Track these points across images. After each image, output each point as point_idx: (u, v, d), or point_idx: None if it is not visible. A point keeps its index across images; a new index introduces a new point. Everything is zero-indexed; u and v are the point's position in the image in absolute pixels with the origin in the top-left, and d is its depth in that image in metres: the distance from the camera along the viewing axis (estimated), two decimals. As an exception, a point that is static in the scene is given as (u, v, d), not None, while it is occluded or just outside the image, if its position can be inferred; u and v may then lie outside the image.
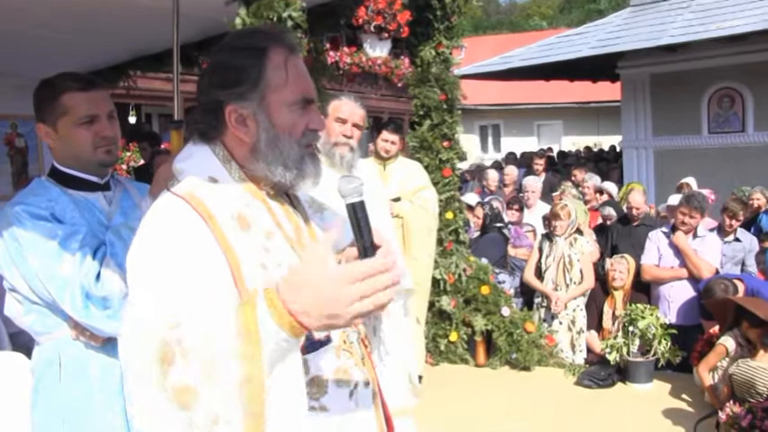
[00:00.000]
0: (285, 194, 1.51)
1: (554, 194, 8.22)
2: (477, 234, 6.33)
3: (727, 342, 4.30)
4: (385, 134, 4.71)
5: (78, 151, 2.13)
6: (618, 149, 13.37)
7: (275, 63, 1.41)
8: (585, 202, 7.43)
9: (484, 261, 5.74)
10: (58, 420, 2.07)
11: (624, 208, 6.58)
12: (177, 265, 1.26)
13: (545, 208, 7.26)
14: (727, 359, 4.29)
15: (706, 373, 4.37)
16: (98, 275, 1.97)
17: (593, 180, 7.81)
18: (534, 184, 7.80)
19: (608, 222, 6.47)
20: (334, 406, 1.39)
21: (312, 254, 1.19)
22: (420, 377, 4.82)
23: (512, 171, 9.19)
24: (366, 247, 1.39)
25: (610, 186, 7.69)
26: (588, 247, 5.68)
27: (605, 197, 7.30)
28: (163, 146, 8.29)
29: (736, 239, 5.53)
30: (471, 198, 6.83)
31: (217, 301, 1.23)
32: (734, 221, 5.50)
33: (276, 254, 1.39)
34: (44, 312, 2.07)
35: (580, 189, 7.88)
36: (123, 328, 1.28)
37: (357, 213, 1.41)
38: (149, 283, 1.26)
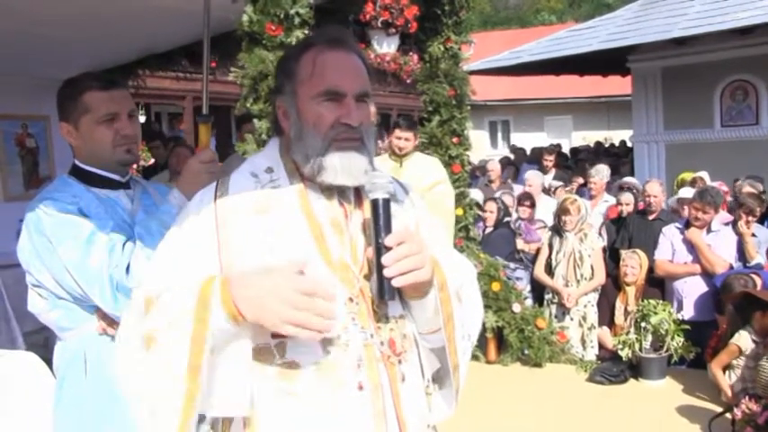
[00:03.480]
0: (356, 190, 1.52)
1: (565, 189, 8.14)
2: (490, 230, 6.30)
3: (740, 341, 4.26)
4: (398, 132, 4.71)
5: (99, 149, 2.15)
6: (628, 144, 13.29)
7: (308, 57, 1.47)
8: (591, 198, 7.35)
9: (498, 259, 5.71)
10: (85, 415, 2.09)
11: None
12: (177, 242, 1.47)
13: (548, 202, 7.21)
14: (742, 358, 4.25)
15: (719, 372, 4.33)
16: (128, 268, 1.99)
17: (599, 175, 7.64)
18: (534, 178, 7.73)
19: (623, 211, 6.37)
20: (308, 395, 1.37)
21: (293, 263, 1.34)
22: None
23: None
24: (379, 247, 1.39)
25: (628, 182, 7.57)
26: (599, 242, 5.64)
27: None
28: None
29: (752, 235, 5.47)
30: (476, 195, 6.79)
31: (199, 271, 1.39)
32: (750, 217, 5.44)
33: (287, 240, 1.42)
34: (71, 307, 2.09)
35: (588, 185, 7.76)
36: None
37: (378, 210, 1.41)
38: (156, 256, 1.51)
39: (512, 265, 5.93)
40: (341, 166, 1.45)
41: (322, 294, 1.30)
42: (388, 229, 1.40)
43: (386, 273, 1.37)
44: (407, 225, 1.54)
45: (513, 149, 15.95)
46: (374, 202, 1.42)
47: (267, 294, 1.27)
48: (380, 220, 1.40)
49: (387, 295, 1.39)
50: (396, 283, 1.38)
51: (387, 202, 1.42)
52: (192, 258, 1.43)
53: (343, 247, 1.47)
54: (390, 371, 1.46)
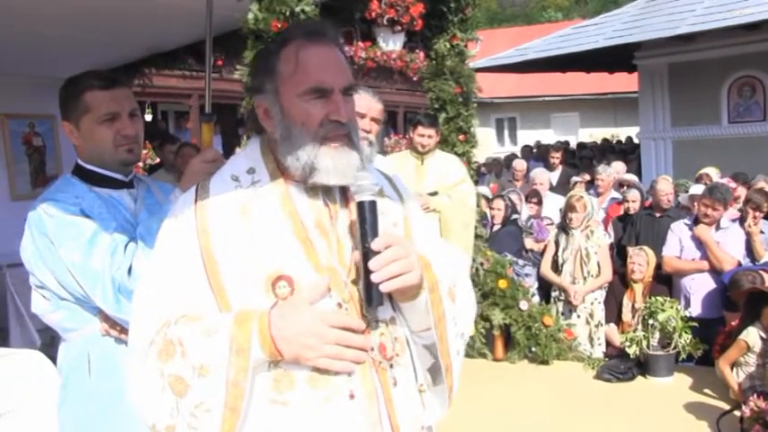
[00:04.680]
0: (341, 189, 1.47)
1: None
2: (498, 227, 6.30)
3: (749, 337, 4.23)
4: (420, 129, 4.71)
5: (100, 149, 2.13)
6: (635, 141, 13.24)
7: (287, 53, 1.41)
8: (599, 195, 7.33)
9: (507, 256, 5.70)
10: (89, 416, 2.08)
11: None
12: (167, 261, 1.43)
13: (556, 199, 7.19)
14: (752, 355, 4.23)
15: (727, 368, 4.31)
16: (130, 269, 1.98)
17: (607, 172, 7.64)
18: (542, 175, 7.70)
19: (630, 208, 6.35)
20: (299, 405, 1.35)
21: (310, 292, 1.36)
22: None
23: (521, 165, 9.11)
24: (366, 251, 1.35)
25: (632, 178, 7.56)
26: (605, 239, 5.62)
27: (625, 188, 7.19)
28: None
29: (760, 231, 5.44)
30: (484, 192, 6.79)
31: (193, 290, 1.38)
32: (757, 213, 5.41)
33: (273, 245, 1.39)
34: (73, 309, 2.08)
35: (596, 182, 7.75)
36: (132, 314, 1.46)
37: (364, 213, 1.37)
38: (149, 275, 1.46)
39: (520, 261, 5.92)
40: (333, 167, 1.40)
41: (353, 327, 1.36)
42: (375, 233, 1.35)
43: (373, 278, 1.33)
44: (395, 228, 1.50)
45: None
46: (360, 205, 1.37)
47: (304, 332, 1.31)
48: (367, 224, 1.36)
49: (374, 301, 1.36)
50: (383, 288, 1.34)
51: (373, 204, 1.38)
52: (179, 270, 1.40)
53: (330, 251, 1.43)
54: (382, 376, 1.43)
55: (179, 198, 1.53)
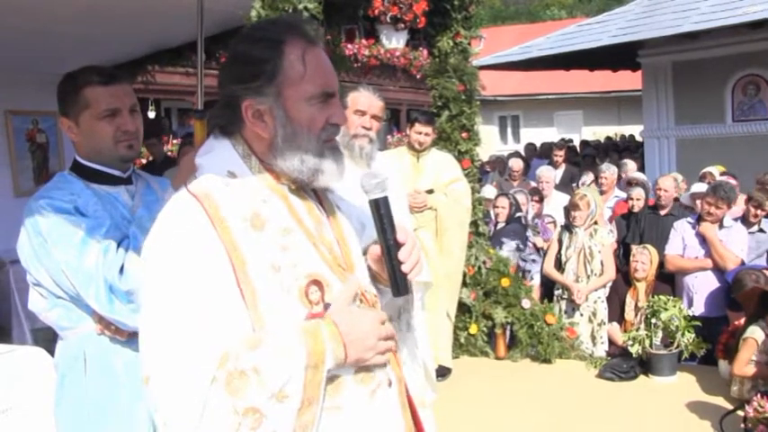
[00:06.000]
0: (312, 190, 1.48)
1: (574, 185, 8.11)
2: (502, 225, 6.29)
3: (755, 334, 4.22)
4: (417, 127, 4.73)
5: (100, 145, 2.12)
6: (638, 139, 13.19)
7: (292, 56, 1.38)
8: (602, 193, 7.31)
9: (511, 243, 5.71)
10: (84, 416, 2.07)
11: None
12: (196, 283, 1.28)
13: (561, 198, 7.18)
14: (755, 354, 4.21)
15: (747, 369, 4.25)
16: (122, 269, 1.97)
17: (610, 170, 7.64)
18: (548, 173, 7.69)
19: (634, 206, 6.34)
20: (351, 405, 1.36)
21: (346, 293, 1.38)
22: (450, 369, 4.84)
23: (518, 165, 9.08)
24: (389, 245, 1.39)
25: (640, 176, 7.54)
26: (609, 238, 5.61)
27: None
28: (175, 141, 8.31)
29: (761, 230, 5.43)
30: (489, 191, 6.78)
31: (234, 312, 1.29)
32: (759, 212, 5.40)
33: (294, 252, 1.37)
34: (69, 307, 2.07)
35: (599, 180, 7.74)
36: (158, 354, 1.27)
37: (380, 210, 1.40)
38: (169, 302, 1.28)
39: (523, 254, 5.93)
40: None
41: (386, 319, 1.42)
42: (393, 226, 1.40)
43: (404, 268, 1.40)
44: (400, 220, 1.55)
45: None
46: (376, 203, 1.40)
47: (368, 334, 1.36)
48: (385, 219, 1.40)
49: (403, 290, 1.41)
50: (411, 276, 1.41)
51: (386, 200, 1.41)
52: (214, 291, 1.28)
53: (333, 251, 1.45)
54: (398, 360, 1.52)
55: (168, 210, 1.40)
